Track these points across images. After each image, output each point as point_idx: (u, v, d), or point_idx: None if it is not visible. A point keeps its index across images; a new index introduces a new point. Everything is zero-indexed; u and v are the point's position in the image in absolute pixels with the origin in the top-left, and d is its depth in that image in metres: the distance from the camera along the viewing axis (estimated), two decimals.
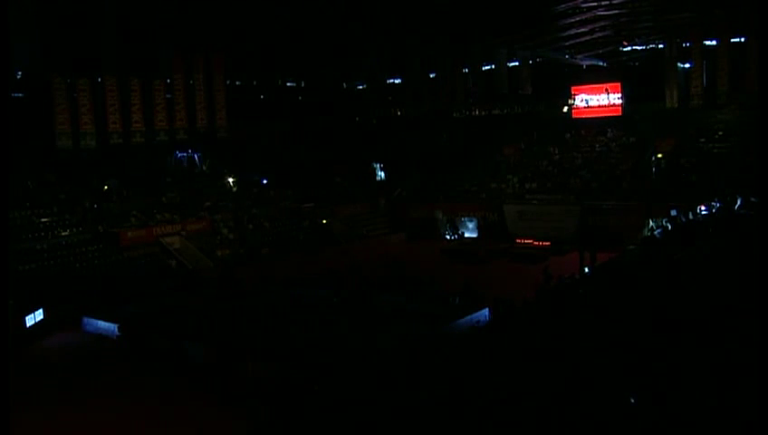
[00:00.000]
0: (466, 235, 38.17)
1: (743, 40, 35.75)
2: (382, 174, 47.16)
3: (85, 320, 23.61)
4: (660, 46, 39.28)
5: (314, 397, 12.96)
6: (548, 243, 32.69)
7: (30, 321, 22.61)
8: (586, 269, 21.54)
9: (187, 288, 27.45)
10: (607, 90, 40.81)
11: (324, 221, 38.66)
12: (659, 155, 36.62)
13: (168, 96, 38.07)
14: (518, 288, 20.95)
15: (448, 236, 38.21)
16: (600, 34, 37.22)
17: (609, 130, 41.28)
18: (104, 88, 35.25)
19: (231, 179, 40.06)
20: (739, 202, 23.10)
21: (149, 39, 34.95)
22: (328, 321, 21.57)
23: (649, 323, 10.88)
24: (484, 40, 39.27)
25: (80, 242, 30.39)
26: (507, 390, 9.06)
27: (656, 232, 23.77)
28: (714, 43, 37.05)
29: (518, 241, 33.99)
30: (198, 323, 21.91)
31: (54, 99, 33.42)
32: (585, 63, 42.87)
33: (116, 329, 22.01)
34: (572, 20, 34.19)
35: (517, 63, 41.97)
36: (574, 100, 42.06)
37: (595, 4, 31.94)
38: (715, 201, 25.23)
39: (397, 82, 50.14)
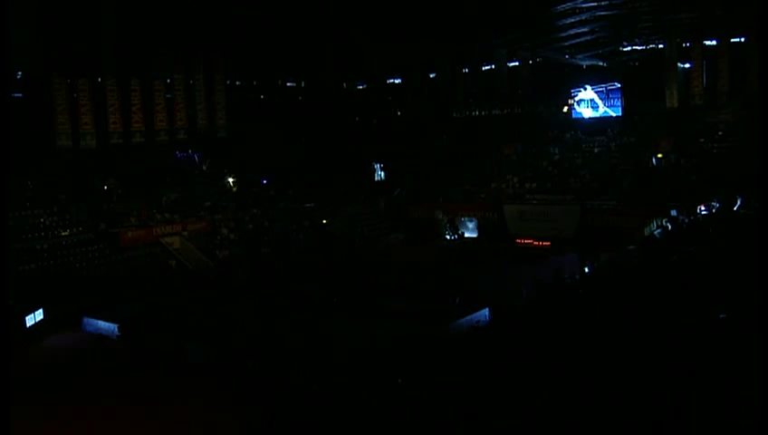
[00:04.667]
0: (466, 235, 38.15)
1: (743, 40, 35.76)
2: (382, 174, 47.15)
3: (85, 320, 23.61)
4: (660, 46, 39.30)
5: (313, 397, 12.98)
6: (548, 243, 32.67)
7: (30, 321, 22.61)
8: (586, 269, 21.54)
9: (187, 288, 27.45)
10: (607, 90, 40.86)
11: (324, 221, 38.66)
12: (659, 155, 36.62)
13: (168, 96, 38.07)
14: (518, 288, 20.93)
15: (448, 236, 38.20)
16: (600, 34, 37.25)
17: (609, 130, 41.30)
18: (104, 88, 35.27)
19: (231, 179, 40.06)
20: (739, 202, 23.13)
21: (149, 39, 34.97)
22: (328, 321, 21.57)
23: (649, 323, 10.88)
24: (484, 40, 39.29)
25: (80, 242, 30.39)
26: (506, 390, 9.06)
27: (656, 232, 23.79)
28: (714, 43, 37.06)
29: (518, 241, 33.98)
30: (198, 323, 21.91)
31: (54, 99, 33.44)
32: (585, 63, 42.89)
33: (116, 329, 22.01)
34: (572, 20, 34.21)
35: (517, 63, 41.99)
36: (574, 100, 42.10)
37: (595, 4, 31.97)
38: (714, 201, 25.26)
39: (397, 82, 50.16)
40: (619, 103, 40.69)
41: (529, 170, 40.63)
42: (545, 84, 42.75)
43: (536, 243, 33.24)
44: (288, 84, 49.04)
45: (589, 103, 41.85)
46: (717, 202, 24.75)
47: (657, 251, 18.99)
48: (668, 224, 23.90)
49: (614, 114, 40.87)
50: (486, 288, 23.35)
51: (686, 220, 23.68)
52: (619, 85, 40.52)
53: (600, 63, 42.55)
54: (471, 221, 38.72)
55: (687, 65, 38.45)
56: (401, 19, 34.64)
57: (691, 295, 11.91)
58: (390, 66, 46.67)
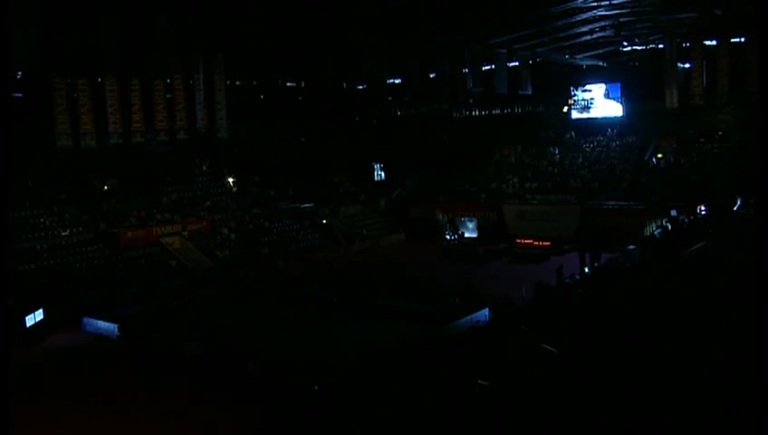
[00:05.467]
0: (466, 235, 38.15)
1: (743, 40, 35.73)
2: (382, 174, 47.16)
3: (85, 320, 23.60)
4: (660, 46, 39.27)
5: (314, 397, 12.98)
6: (548, 243, 32.69)
7: (30, 321, 22.59)
8: (586, 269, 21.56)
9: (187, 288, 27.44)
10: (607, 90, 40.86)
11: (324, 221, 38.67)
12: (659, 155, 36.63)
13: (168, 96, 38.05)
14: (518, 288, 20.93)
15: (448, 237, 38.20)
16: (600, 34, 37.20)
17: (609, 129, 41.32)
18: (104, 88, 35.23)
19: (231, 179, 40.06)
20: (739, 202, 23.16)
21: (149, 39, 34.90)
22: (328, 321, 21.57)
23: (649, 323, 10.89)
24: (484, 40, 39.27)
25: (80, 242, 30.40)
26: (506, 391, 9.06)
27: (656, 232, 23.83)
28: (714, 43, 37.03)
29: (518, 241, 34.00)
30: (198, 323, 21.91)
31: (54, 99, 33.37)
32: (585, 63, 42.88)
33: (116, 329, 22.01)
34: (572, 20, 34.17)
35: (517, 63, 41.96)
36: (574, 100, 42.09)
37: (595, 4, 31.94)
38: (711, 202, 25.31)
39: (397, 82, 50.12)
40: (619, 103, 40.74)
41: (529, 170, 40.66)
42: (545, 84, 42.74)
43: (536, 243, 33.23)
44: (288, 84, 48.96)
45: (588, 103, 41.86)
46: (717, 202, 24.79)
47: (657, 251, 19.01)
48: (668, 224, 23.94)
49: (614, 114, 40.88)
50: (486, 288, 23.34)
51: (686, 220, 23.71)
52: (620, 85, 40.56)
53: (600, 63, 42.54)
54: (471, 221, 38.74)
55: (687, 65, 38.42)
56: (401, 19, 34.57)
57: (691, 295, 11.91)
58: (390, 66, 46.59)
